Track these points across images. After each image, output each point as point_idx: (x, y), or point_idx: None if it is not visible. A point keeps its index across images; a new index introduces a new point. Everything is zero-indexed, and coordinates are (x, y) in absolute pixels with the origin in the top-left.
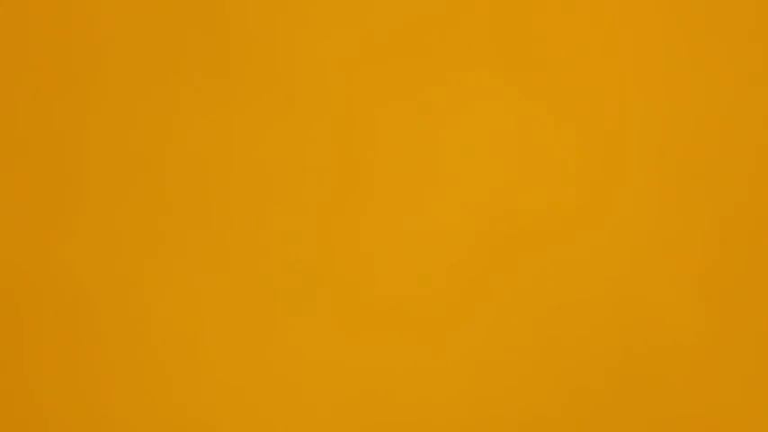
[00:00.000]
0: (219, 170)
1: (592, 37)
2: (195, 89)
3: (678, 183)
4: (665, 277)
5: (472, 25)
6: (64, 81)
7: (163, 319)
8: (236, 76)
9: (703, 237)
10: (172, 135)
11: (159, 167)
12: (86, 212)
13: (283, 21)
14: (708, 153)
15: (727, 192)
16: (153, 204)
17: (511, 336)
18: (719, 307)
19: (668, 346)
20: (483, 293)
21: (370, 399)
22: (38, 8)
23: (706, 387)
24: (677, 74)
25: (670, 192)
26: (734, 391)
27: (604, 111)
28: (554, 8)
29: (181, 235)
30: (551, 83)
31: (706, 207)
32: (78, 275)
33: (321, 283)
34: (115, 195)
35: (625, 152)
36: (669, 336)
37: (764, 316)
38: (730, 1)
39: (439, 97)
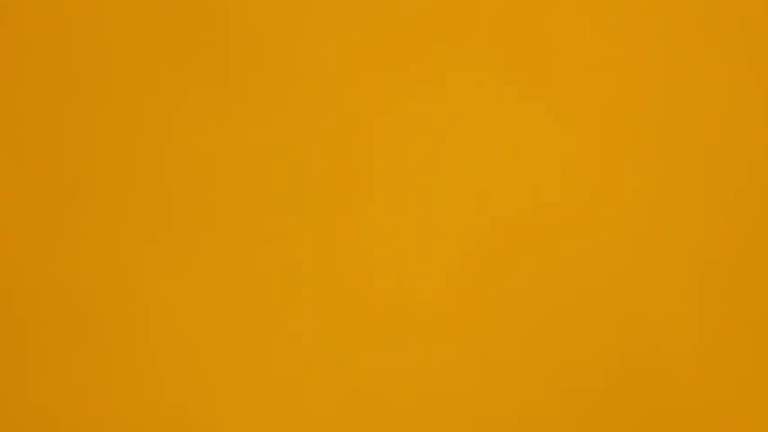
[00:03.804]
0: (220, 172)
1: (592, 38)
2: (196, 92)
3: (678, 183)
4: (664, 278)
5: (472, 26)
6: (66, 83)
7: (163, 320)
8: (237, 78)
9: (703, 237)
10: (173, 137)
11: (160, 169)
12: (87, 214)
13: (284, 24)
14: (708, 153)
15: (726, 192)
16: (154, 206)
17: (510, 336)
18: (718, 308)
19: (667, 347)
20: (482, 294)
21: (369, 399)
22: (39, 11)
23: (704, 388)
24: (677, 74)
25: (670, 192)
26: (732, 392)
27: (604, 111)
28: (555, 9)
29: (181, 236)
30: (551, 83)
31: (706, 207)
32: (79, 276)
33: (321, 283)
34: (116, 197)
35: (625, 152)
36: (668, 337)
37: (763, 317)
38: (730, 1)
39: (439, 98)
